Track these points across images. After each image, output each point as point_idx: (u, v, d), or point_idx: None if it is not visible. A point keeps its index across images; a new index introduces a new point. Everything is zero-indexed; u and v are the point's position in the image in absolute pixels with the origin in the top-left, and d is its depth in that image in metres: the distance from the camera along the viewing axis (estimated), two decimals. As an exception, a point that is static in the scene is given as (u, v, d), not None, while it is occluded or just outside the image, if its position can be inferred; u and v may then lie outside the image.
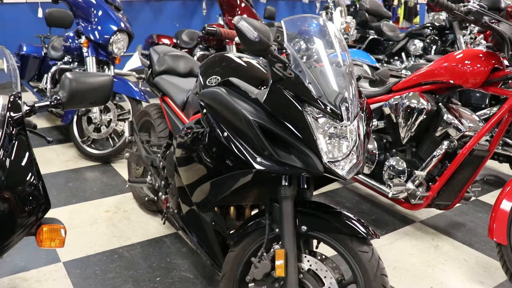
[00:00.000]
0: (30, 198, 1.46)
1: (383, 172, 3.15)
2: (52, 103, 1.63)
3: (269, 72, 1.78)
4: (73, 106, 1.64)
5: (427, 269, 2.84)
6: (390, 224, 3.37)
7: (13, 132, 1.49)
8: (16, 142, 1.48)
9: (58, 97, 1.63)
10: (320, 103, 1.69)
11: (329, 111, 1.69)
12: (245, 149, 1.77)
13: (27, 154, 1.48)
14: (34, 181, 1.47)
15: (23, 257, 2.80)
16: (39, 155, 4.35)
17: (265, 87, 2.01)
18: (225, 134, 1.83)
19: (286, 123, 1.73)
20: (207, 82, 2.18)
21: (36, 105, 1.63)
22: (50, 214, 3.22)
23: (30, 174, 1.47)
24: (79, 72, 1.68)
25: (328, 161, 1.69)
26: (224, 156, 1.89)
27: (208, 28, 1.97)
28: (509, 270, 2.59)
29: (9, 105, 1.53)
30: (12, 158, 1.45)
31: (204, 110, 1.98)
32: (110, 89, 1.72)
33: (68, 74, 1.62)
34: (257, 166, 1.73)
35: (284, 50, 1.79)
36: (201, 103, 2.00)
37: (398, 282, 2.72)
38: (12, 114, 1.52)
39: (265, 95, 1.78)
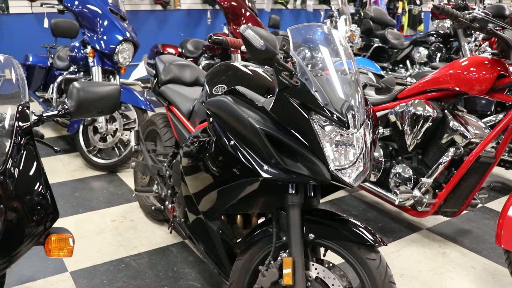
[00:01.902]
0: (39, 207, 1.46)
1: (390, 180, 3.14)
2: (60, 113, 1.64)
3: (275, 80, 1.78)
4: (80, 115, 1.65)
5: (434, 277, 2.83)
6: (397, 231, 3.36)
7: (22, 142, 1.50)
8: (25, 152, 1.49)
9: (66, 107, 1.64)
10: (327, 111, 1.69)
11: (336, 119, 1.69)
12: (252, 158, 1.77)
13: (35, 163, 1.49)
14: (42, 191, 1.47)
15: (30, 266, 2.80)
16: (45, 165, 4.32)
17: (271, 95, 2.02)
18: (232, 142, 1.84)
19: (293, 131, 1.73)
20: (213, 91, 2.19)
21: (44, 114, 1.64)
22: (57, 224, 3.24)
23: (38, 183, 1.47)
24: (86, 81, 1.69)
25: (335, 169, 1.69)
26: (230, 164, 1.89)
27: (214, 37, 1.98)
28: (517, 278, 2.58)
29: (18, 115, 1.54)
30: (21, 167, 1.46)
31: (211, 119, 1.98)
32: (117, 99, 1.73)
33: (75, 83, 1.63)
34: (264, 174, 1.73)
35: (290, 59, 1.80)
36: (208, 112, 2.01)
37: (405, 290, 2.71)
38: (20, 124, 1.52)
39: (272, 104, 1.79)
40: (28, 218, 1.44)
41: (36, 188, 1.46)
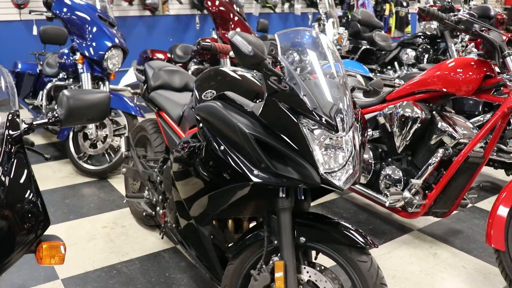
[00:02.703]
0: (30, 215, 1.46)
1: (380, 182, 3.16)
2: (50, 121, 1.64)
3: (264, 85, 1.80)
4: (71, 123, 1.65)
5: (426, 277, 2.85)
6: (388, 233, 3.38)
7: (12, 150, 1.50)
8: (15, 160, 1.49)
9: (56, 114, 1.64)
10: (315, 115, 1.70)
11: (325, 122, 1.70)
12: (242, 162, 1.78)
13: (26, 171, 1.49)
14: (33, 199, 1.47)
15: (21, 274, 2.79)
16: (36, 172, 4.30)
17: (260, 100, 2.03)
18: (222, 147, 1.84)
19: (282, 135, 1.74)
20: (202, 96, 2.20)
21: (34, 122, 1.64)
22: (48, 231, 3.23)
23: (29, 191, 1.47)
24: (76, 89, 1.69)
25: (325, 172, 1.70)
26: (221, 169, 1.90)
27: (202, 43, 1.99)
28: (508, 276, 2.60)
29: (8, 123, 1.53)
30: (11, 176, 1.45)
31: (200, 124, 1.99)
32: (107, 106, 1.73)
33: (65, 91, 1.63)
34: (254, 179, 1.74)
35: (278, 63, 1.81)
36: (197, 117, 2.02)
37: (397, 291, 2.72)
38: (10, 132, 1.52)
39: (261, 108, 1.80)
40: (19, 226, 1.44)
41: (27, 196, 1.46)
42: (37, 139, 5.31)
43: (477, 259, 3.05)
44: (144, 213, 3.11)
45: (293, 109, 1.73)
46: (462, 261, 3.03)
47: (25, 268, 2.84)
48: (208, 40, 2.07)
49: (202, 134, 1.98)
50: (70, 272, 2.84)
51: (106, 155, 4.34)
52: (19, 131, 1.54)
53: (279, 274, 1.80)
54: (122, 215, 3.58)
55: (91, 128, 4.23)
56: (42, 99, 4.85)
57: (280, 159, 1.74)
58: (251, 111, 1.84)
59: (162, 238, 3.16)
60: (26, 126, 1.60)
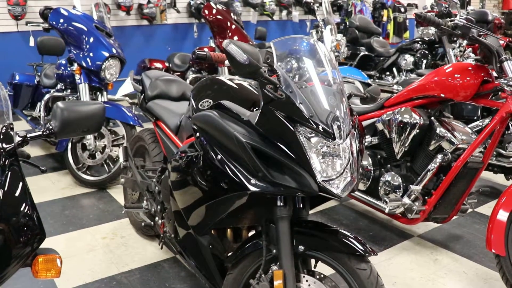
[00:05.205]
0: (25, 228, 1.45)
1: (379, 188, 3.15)
2: (45, 133, 1.63)
3: (260, 94, 1.79)
4: (65, 135, 1.64)
5: (427, 283, 2.83)
6: (388, 239, 3.36)
7: (6, 164, 1.49)
8: (9, 173, 1.48)
9: (50, 127, 1.63)
10: (312, 123, 1.70)
11: (321, 130, 1.70)
12: (239, 171, 1.77)
13: (20, 185, 1.48)
14: (28, 212, 1.46)
15: (20, 287, 2.77)
16: (34, 184, 4.33)
17: (257, 108, 2.02)
18: (219, 157, 1.84)
19: (279, 144, 1.73)
20: (199, 106, 2.19)
21: (28, 135, 1.63)
22: (47, 242, 3.21)
23: (24, 204, 1.46)
24: (70, 101, 1.69)
25: (322, 180, 1.69)
26: (218, 179, 1.89)
27: (198, 52, 1.98)
28: (508, 281, 2.59)
29: (1, 137, 1.53)
30: (6, 189, 1.44)
31: (197, 134, 1.98)
32: (102, 117, 1.72)
33: (59, 103, 1.63)
34: (252, 188, 1.73)
35: (274, 72, 1.81)
36: (194, 127, 2.01)
37: (398, 298, 2.71)
38: (4, 145, 1.51)
39: (257, 117, 1.79)
40: (14, 239, 1.43)
41: (22, 209, 1.45)
42: (35, 151, 5.30)
43: (478, 264, 3.04)
44: (143, 224, 3.09)
45: (290, 117, 1.73)
46: (463, 267, 3.01)
47: (22, 281, 2.82)
48: (206, 49, 2.07)
49: (199, 143, 1.97)
50: (69, 284, 2.82)
51: (105, 165, 4.33)
52: (13, 144, 1.53)
53: (278, 283, 1.78)
54: (121, 226, 3.57)
55: (89, 139, 4.22)
56: (40, 111, 4.84)
57: (277, 168, 1.74)
58: (247, 120, 1.84)
59: (162, 248, 3.13)
60: (20, 139, 1.59)
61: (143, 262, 3.07)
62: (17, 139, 1.58)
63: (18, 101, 5.36)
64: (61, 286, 2.80)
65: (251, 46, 1.71)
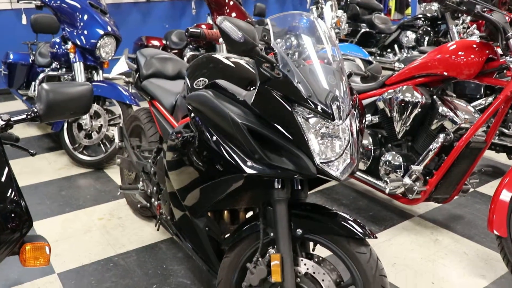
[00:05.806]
0: (12, 215, 1.40)
1: (380, 168, 3.10)
2: (29, 116, 1.56)
3: (256, 72, 1.73)
4: (51, 118, 1.57)
5: (427, 264, 2.80)
6: (388, 219, 3.32)
7: None
8: None
9: (35, 110, 1.56)
10: (310, 103, 1.64)
11: (320, 110, 1.64)
12: (235, 153, 1.71)
13: (5, 170, 1.42)
14: (14, 198, 1.40)
15: (16, 269, 2.74)
16: (30, 165, 4.29)
17: (254, 88, 1.96)
18: (214, 138, 1.78)
19: (276, 124, 1.67)
20: (194, 85, 2.13)
21: (12, 119, 1.56)
22: (44, 224, 3.17)
23: (10, 190, 1.41)
24: (56, 82, 1.61)
25: (321, 162, 1.64)
26: (214, 160, 1.84)
27: (191, 30, 1.91)
28: (510, 263, 2.55)
29: None
30: None
31: (192, 114, 1.92)
32: (89, 99, 1.64)
33: (44, 85, 1.55)
34: (248, 171, 1.68)
35: (272, 50, 1.74)
36: (189, 107, 1.95)
37: (398, 278, 2.67)
38: None
39: (253, 97, 1.73)
40: (1, 226, 1.38)
41: (8, 195, 1.40)
42: (32, 131, 5.24)
43: (479, 245, 3.00)
44: (139, 205, 3.05)
45: (287, 97, 1.66)
46: (464, 247, 2.97)
47: (19, 265, 2.79)
48: (204, 27, 1.99)
49: (194, 124, 1.91)
50: (66, 266, 2.79)
51: (102, 145, 4.27)
52: None
53: (275, 267, 1.75)
54: (118, 206, 3.53)
55: (85, 119, 4.15)
56: (35, 90, 4.77)
57: (274, 150, 1.68)
58: (243, 100, 1.77)
59: (158, 230, 3.11)
60: (3, 123, 1.53)
61: (140, 243, 3.04)
62: (0, 123, 1.52)
63: (13, 81, 5.29)
64: (58, 268, 2.77)
65: (246, 23, 1.63)
